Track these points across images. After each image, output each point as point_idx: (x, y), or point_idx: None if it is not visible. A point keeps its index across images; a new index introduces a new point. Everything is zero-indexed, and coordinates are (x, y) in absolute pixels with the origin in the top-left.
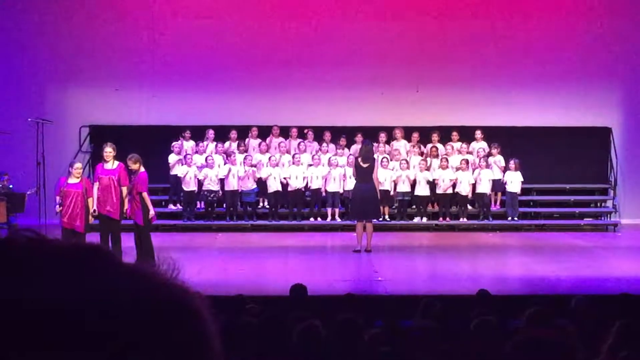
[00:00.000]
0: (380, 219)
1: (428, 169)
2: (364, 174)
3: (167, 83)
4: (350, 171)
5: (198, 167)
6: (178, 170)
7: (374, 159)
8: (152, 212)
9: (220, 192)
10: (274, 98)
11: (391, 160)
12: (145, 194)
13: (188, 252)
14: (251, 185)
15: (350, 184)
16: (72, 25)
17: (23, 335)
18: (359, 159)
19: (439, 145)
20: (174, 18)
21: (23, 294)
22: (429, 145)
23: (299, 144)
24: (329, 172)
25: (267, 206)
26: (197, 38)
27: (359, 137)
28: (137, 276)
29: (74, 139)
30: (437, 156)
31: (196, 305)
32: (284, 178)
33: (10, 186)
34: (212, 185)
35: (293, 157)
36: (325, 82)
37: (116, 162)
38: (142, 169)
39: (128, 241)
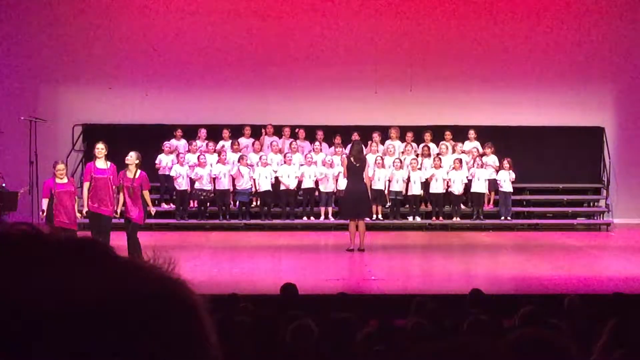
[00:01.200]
0: (374, 219)
1: (420, 168)
2: (356, 173)
3: (160, 82)
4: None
5: (190, 166)
6: (171, 170)
7: (365, 158)
8: (152, 209)
9: (212, 191)
10: (267, 97)
11: (385, 158)
12: (147, 192)
13: (181, 251)
14: (245, 184)
15: (343, 183)
16: (65, 24)
17: (14, 331)
18: (351, 159)
19: (432, 145)
20: (167, 17)
21: (18, 289)
22: (422, 145)
23: (290, 143)
24: (323, 171)
25: (259, 205)
26: (190, 37)
27: (355, 136)
28: (134, 270)
29: (67, 137)
30: (429, 155)
31: (192, 299)
32: (275, 177)
33: (3, 185)
34: (204, 184)
35: (285, 156)
36: (319, 81)
37: (108, 162)
38: (139, 170)
39: (117, 240)
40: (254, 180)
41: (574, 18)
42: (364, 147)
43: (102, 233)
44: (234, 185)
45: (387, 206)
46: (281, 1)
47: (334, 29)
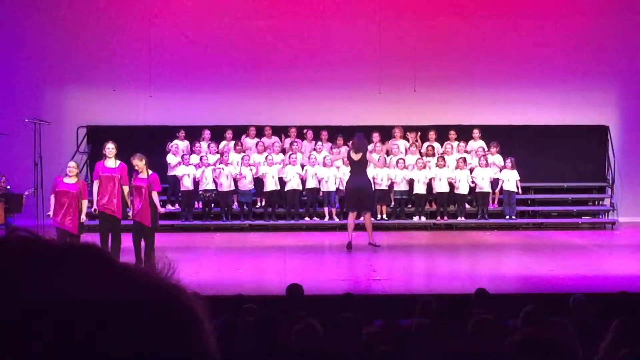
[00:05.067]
0: (378, 218)
1: (424, 166)
2: (357, 167)
3: (164, 83)
4: (345, 169)
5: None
6: (177, 171)
7: (366, 149)
8: (161, 210)
9: (216, 191)
10: (272, 98)
11: (388, 157)
12: (156, 194)
13: (186, 252)
14: (249, 185)
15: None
16: (70, 26)
17: (9, 337)
18: (351, 152)
19: (437, 144)
20: (170, 19)
21: (15, 295)
22: (426, 144)
23: (291, 143)
24: (324, 171)
25: (263, 205)
26: (193, 38)
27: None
28: (131, 276)
29: (71, 139)
30: (434, 155)
31: (190, 304)
32: (280, 177)
33: (8, 187)
34: (208, 184)
35: (289, 157)
36: (323, 81)
37: (118, 161)
38: (149, 170)
39: (125, 241)
40: (257, 179)
41: (578, 15)
42: (365, 142)
43: (113, 235)
44: (236, 186)
45: (391, 206)
46: (285, 2)
47: (338, 29)
